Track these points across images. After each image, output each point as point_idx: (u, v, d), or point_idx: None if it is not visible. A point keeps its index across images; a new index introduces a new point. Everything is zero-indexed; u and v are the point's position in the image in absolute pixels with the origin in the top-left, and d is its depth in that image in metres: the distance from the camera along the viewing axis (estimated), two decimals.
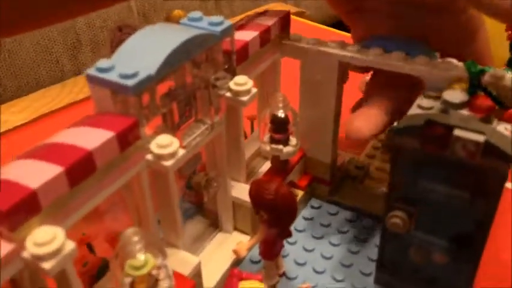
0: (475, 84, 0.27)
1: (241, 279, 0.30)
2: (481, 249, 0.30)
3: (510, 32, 0.40)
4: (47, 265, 0.21)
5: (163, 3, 0.99)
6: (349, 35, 0.41)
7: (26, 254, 0.21)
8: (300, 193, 0.41)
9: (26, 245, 0.21)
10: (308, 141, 0.41)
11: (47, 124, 0.55)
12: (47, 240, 0.21)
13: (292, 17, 0.39)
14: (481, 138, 0.25)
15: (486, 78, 0.27)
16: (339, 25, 0.59)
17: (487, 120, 0.27)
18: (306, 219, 0.41)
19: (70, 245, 0.22)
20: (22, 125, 0.54)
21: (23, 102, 0.59)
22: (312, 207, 0.43)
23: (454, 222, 0.30)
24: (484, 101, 0.27)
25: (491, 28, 0.40)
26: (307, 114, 0.39)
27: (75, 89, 0.63)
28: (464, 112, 0.28)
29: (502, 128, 0.27)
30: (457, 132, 0.26)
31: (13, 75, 0.83)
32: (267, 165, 0.42)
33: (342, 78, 0.37)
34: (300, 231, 0.40)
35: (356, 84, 0.44)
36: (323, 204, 0.43)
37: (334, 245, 0.39)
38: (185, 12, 0.31)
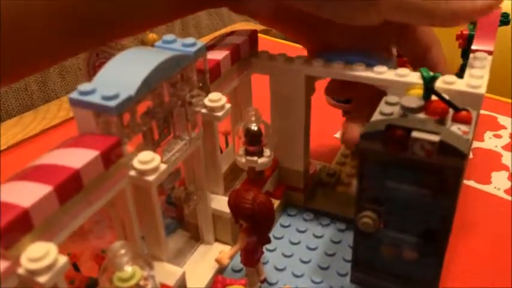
0: (429, 90, 0.30)
1: (226, 285, 0.31)
2: (445, 243, 0.32)
3: (461, 40, 0.44)
4: (42, 279, 0.22)
5: None
6: None
7: (21, 270, 0.22)
8: (276, 202, 0.43)
9: (21, 261, 0.22)
10: (281, 151, 0.43)
11: (26, 150, 0.55)
12: (41, 255, 0.22)
13: (259, 34, 0.41)
14: (436, 138, 0.28)
15: (438, 83, 0.30)
16: None
17: (441, 122, 0.30)
18: (283, 226, 0.43)
19: (62, 259, 0.23)
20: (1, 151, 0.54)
21: None
22: (289, 214, 0.44)
23: (420, 219, 0.32)
24: (437, 105, 0.30)
25: (447, 37, 0.44)
26: (278, 126, 0.41)
27: (49, 115, 0.64)
28: (421, 116, 0.30)
29: (456, 128, 0.29)
30: (415, 133, 0.28)
31: None
32: (243, 177, 0.43)
33: (309, 91, 0.40)
34: (278, 238, 0.42)
35: (323, 95, 0.47)
36: (299, 211, 0.45)
37: (311, 249, 0.41)
38: (158, 35, 0.33)
